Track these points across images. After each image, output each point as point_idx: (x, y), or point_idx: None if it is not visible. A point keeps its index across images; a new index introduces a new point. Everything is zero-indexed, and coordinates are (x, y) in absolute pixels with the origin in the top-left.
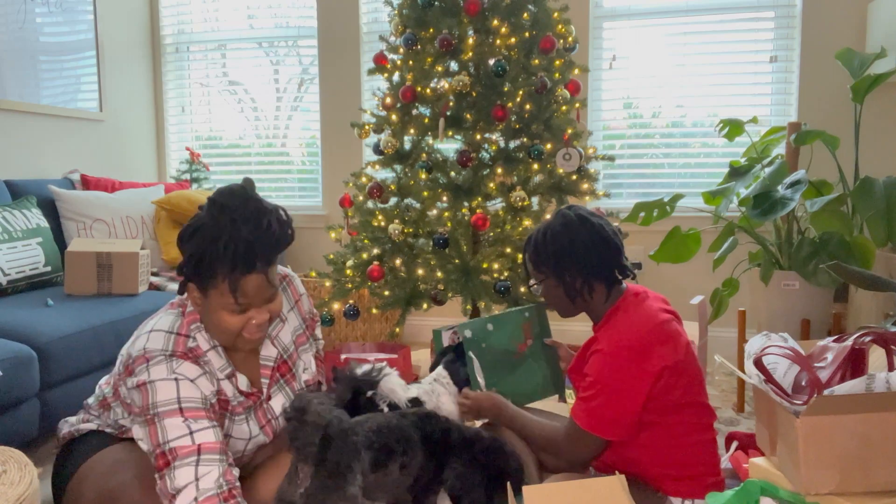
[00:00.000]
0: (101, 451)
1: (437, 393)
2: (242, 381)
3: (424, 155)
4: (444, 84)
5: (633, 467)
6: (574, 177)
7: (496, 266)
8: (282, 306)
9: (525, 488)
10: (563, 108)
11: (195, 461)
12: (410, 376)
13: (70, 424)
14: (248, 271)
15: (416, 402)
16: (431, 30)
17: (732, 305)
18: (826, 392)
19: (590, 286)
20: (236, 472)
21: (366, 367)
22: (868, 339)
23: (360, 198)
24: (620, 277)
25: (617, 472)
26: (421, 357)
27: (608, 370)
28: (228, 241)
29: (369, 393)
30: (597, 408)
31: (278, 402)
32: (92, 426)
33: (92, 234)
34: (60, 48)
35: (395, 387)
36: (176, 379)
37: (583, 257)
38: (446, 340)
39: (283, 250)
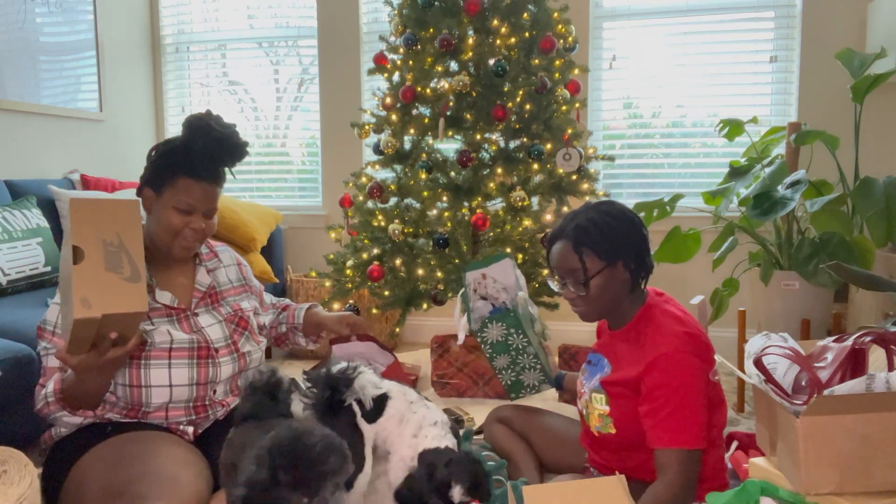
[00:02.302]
0: (98, 445)
1: (418, 402)
2: (164, 296)
3: (424, 155)
4: (444, 84)
5: (641, 473)
6: (574, 177)
7: None
8: (215, 229)
9: (525, 488)
10: (563, 108)
11: (46, 378)
12: (407, 380)
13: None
14: (207, 171)
15: (383, 397)
16: (431, 30)
17: (732, 305)
18: (826, 392)
19: (644, 277)
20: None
21: (341, 366)
22: (868, 339)
23: (360, 198)
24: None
25: (617, 472)
26: (421, 357)
27: (677, 371)
28: (195, 146)
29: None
30: (689, 417)
31: (204, 319)
32: (71, 424)
33: None
34: (60, 48)
35: (366, 384)
36: (57, 303)
37: (645, 245)
38: (471, 281)
39: (236, 161)
